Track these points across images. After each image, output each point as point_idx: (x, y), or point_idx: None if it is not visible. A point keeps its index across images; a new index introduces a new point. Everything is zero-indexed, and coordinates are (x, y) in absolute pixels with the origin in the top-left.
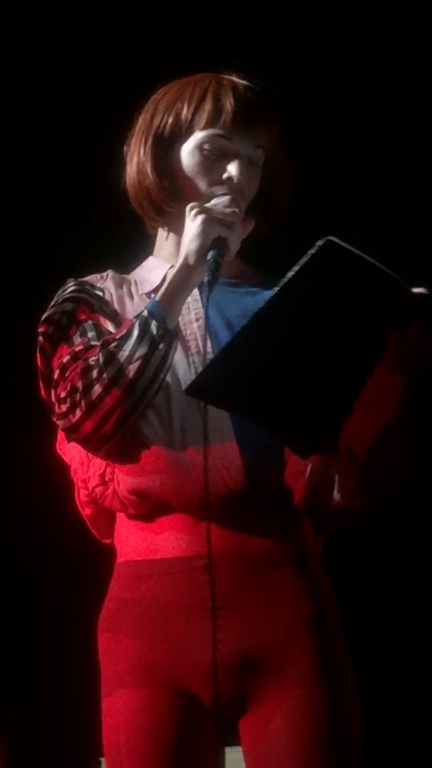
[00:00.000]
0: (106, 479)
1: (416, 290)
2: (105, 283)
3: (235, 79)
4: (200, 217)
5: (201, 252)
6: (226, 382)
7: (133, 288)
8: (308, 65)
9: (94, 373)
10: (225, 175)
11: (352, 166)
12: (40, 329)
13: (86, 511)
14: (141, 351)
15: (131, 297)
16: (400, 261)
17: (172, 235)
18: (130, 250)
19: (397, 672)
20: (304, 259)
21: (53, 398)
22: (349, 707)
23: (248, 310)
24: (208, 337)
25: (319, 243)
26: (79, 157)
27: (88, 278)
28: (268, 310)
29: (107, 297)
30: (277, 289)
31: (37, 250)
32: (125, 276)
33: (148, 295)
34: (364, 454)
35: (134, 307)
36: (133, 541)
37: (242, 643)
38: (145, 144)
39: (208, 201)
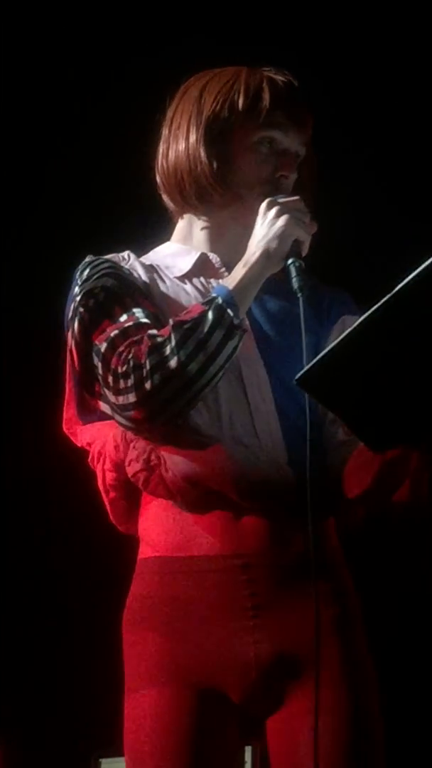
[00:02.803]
0: (152, 464)
1: None
2: (131, 263)
3: (281, 77)
4: (285, 217)
5: (282, 253)
6: (332, 377)
7: (161, 272)
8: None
9: (167, 351)
10: (278, 173)
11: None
12: (81, 302)
13: (110, 495)
14: (217, 337)
15: (162, 280)
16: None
17: (206, 224)
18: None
19: (416, 672)
20: (420, 268)
21: (106, 373)
22: (371, 707)
23: (284, 303)
24: (303, 335)
25: None
26: (77, 144)
27: (110, 257)
28: (382, 312)
29: (136, 277)
30: (391, 293)
31: (34, 235)
32: (142, 260)
33: (181, 279)
34: None
35: (169, 290)
36: (165, 534)
37: (277, 643)
38: (197, 130)
39: (260, 195)
